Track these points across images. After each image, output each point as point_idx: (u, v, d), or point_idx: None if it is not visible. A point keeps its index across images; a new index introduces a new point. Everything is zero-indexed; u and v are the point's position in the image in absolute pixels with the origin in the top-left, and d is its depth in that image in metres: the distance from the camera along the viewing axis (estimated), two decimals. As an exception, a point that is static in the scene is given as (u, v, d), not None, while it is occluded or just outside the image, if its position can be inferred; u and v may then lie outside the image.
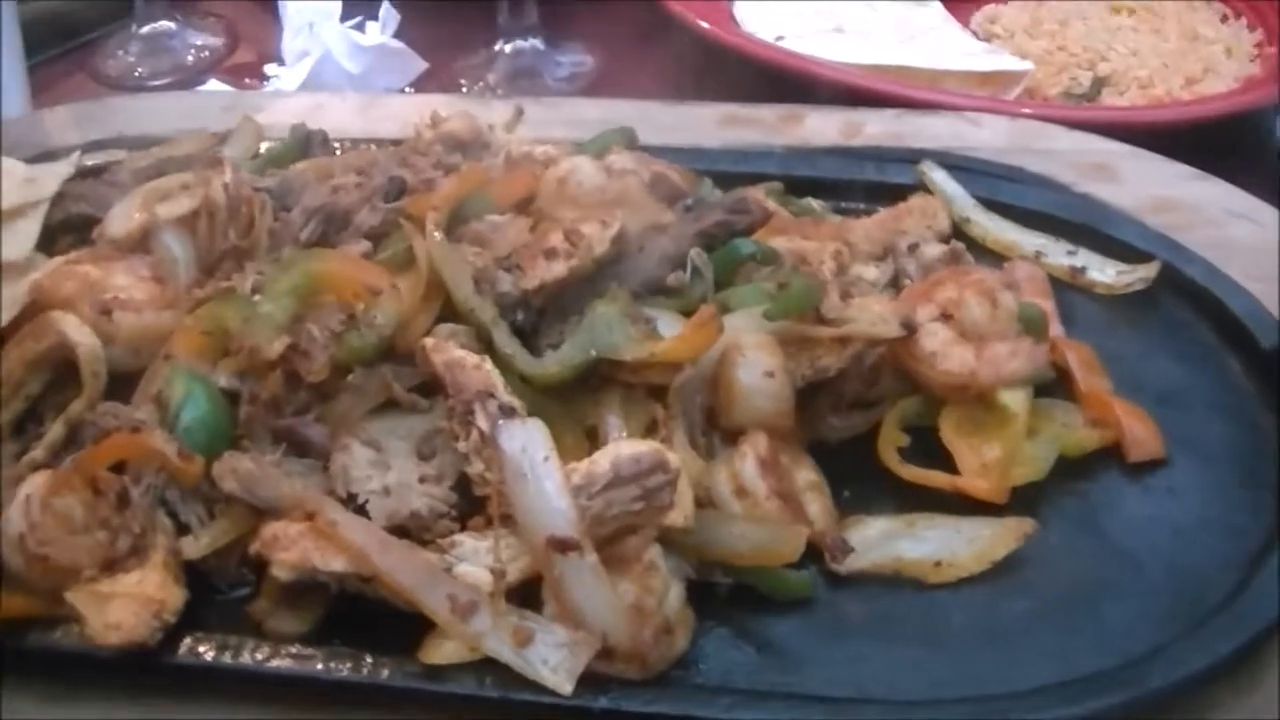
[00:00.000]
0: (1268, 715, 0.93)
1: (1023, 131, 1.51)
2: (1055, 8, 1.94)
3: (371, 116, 1.59)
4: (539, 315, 1.13)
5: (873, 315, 1.11)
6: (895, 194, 1.36)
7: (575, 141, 1.37)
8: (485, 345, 1.08)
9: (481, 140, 1.36)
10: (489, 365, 1.04)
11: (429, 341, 1.06)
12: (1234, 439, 1.14)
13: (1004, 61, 1.78)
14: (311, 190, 1.25)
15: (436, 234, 1.13)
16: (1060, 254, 1.31)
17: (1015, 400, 1.11)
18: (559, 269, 1.11)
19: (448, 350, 1.04)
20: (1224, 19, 1.91)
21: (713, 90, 1.75)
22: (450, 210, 1.17)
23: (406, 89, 1.86)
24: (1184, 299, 1.27)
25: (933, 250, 1.25)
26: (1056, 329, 1.22)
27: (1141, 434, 1.11)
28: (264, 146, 1.43)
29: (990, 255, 1.32)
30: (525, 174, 1.27)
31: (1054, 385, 1.16)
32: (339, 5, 1.84)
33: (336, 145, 1.45)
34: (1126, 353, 1.22)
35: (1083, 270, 1.30)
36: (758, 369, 1.07)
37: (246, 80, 1.92)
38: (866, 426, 1.13)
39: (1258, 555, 1.02)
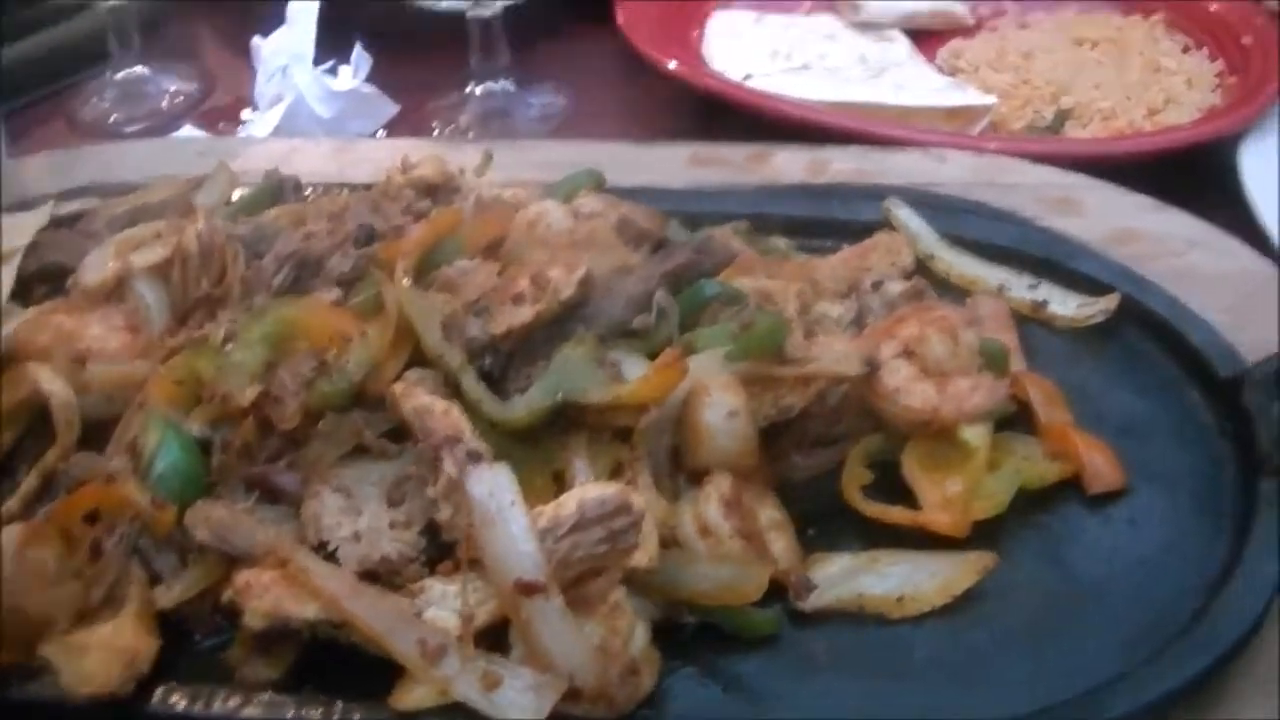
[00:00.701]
0: (1227, 740, 0.94)
1: (987, 167, 1.52)
2: (1019, 41, 1.96)
3: (344, 161, 1.60)
4: (508, 359, 1.14)
5: (835, 354, 1.12)
6: (861, 231, 1.37)
7: (545, 184, 1.38)
8: (453, 390, 1.09)
9: (452, 185, 1.37)
10: (457, 411, 1.04)
11: (398, 387, 1.06)
12: (1193, 468, 1.15)
13: (968, 96, 1.80)
14: (284, 237, 1.26)
15: (405, 281, 1.14)
16: (1023, 288, 1.33)
17: (976, 435, 1.12)
18: (525, 314, 1.11)
19: (416, 396, 1.05)
20: (1185, 49, 1.93)
21: (682, 129, 1.77)
22: (420, 256, 1.19)
23: (379, 132, 1.88)
24: (1144, 330, 1.27)
25: (896, 287, 1.26)
26: (1019, 363, 1.23)
27: (1101, 466, 1.12)
28: (237, 193, 1.44)
29: (955, 290, 1.33)
30: (497, 217, 1.27)
31: (1016, 419, 1.17)
32: (311, 49, 1.85)
33: (309, 190, 1.46)
34: (1088, 385, 1.23)
35: (1045, 304, 1.31)
36: (722, 409, 1.07)
37: (221, 125, 1.93)
38: (831, 464, 1.13)
39: (1217, 582, 1.03)
